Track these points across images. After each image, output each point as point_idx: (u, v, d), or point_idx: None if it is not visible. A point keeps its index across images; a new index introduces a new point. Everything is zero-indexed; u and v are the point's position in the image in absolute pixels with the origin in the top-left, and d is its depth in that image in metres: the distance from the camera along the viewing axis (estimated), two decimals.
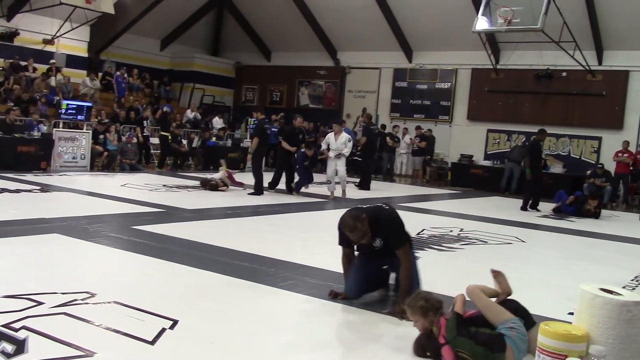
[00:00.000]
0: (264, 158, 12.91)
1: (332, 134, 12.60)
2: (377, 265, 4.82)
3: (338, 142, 12.36)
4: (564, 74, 17.85)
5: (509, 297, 3.91)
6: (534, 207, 12.68)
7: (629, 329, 2.91)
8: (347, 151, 12.43)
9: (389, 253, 4.64)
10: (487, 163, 18.41)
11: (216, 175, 12.30)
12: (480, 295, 3.70)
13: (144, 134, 16.43)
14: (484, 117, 19.20)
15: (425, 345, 3.64)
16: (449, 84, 19.96)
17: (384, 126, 19.17)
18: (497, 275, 4.03)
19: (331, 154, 12.41)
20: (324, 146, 12.81)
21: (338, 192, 12.39)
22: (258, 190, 11.54)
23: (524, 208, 12.59)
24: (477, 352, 3.43)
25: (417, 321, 3.69)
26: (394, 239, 4.60)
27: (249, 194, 11.57)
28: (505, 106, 18.87)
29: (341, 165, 12.38)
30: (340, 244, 4.84)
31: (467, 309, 3.74)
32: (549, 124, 17.99)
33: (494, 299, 3.85)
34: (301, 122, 12.92)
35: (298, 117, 12.95)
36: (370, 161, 15.64)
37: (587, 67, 17.09)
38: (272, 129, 14.79)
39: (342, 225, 4.61)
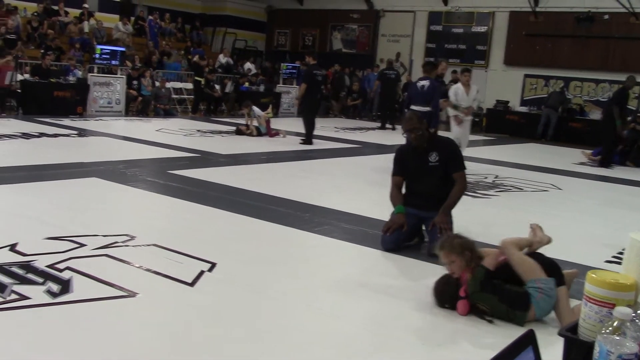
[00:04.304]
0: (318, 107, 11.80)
1: (460, 86, 9.65)
2: (415, 219, 4.81)
3: (470, 97, 9.61)
4: (606, 16, 17.20)
5: (538, 252, 3.80)
6: (608, 163, 11.20)
7: None
8: (475, 105, 10.12)
9: (437, 184, 4.77)
10: (524, 109, 18.07)
11: (260, 113, 12.25)
12: (514, 250, 3.58)
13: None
14: (521, 61, 18.72)
15: (443, 293, 3.53)
16: (486, 27, 19.43)
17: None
18: (535, 227, 3.97)
19: (450, 112, 9.68)
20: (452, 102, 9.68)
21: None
22: (308, 139, 11.21)
23: (605, 163, 11.20)
24: (499, 309, 3.39)
25: (452, 262, 3.51)
26: (456, 159, 4.82)
27: (300, 142, 11.25)
28: (544, 50, 18.35)
29: (468, 127, 9.95)
30: (393, 172, 4.91)
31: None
32: (588, 68, 17.56)
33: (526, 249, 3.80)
34: (445, 68, 9.84)
35: (442, 60, 9.87)
36: (384, 106, 15.90)
37: (630, 10, 16.44)
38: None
39: (404, 120, 4.92)
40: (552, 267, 3.58)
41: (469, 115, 9.71)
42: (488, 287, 3.43)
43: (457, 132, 9.56)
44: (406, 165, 4.90)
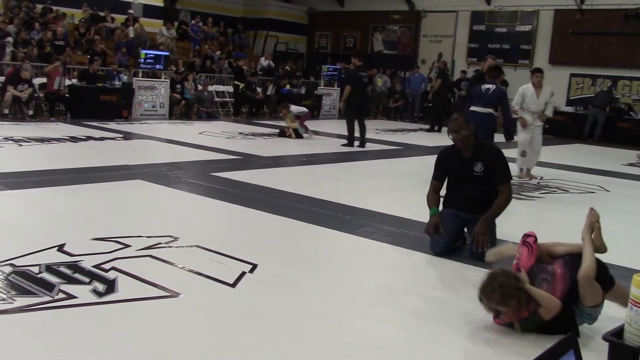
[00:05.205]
0: (363, 109, 11.50)
1: (530, 87, 8.63)
2: (459, 219, 4.77)
3: (541, 100, 8.57)
4: None
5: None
6: None
7: None
8: (550, 111, 8.72)
9: (483, 190, 4.65)
10: (570, 109, 17.69)
11: (300, 109, 12.26)
12: (591, 286, 3.16)
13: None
14: (567, 60, 18.35)
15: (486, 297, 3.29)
16: (530, 26, 19.11)
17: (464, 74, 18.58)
18: (596, 227, 3.41)
19: (527, 115, 8.64)
20: (517, 107, 8.72)
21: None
22: (350, 141, 11.16)
23: None
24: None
25: (501, 313, 3.21)
26: (501, 171, 4.64)
27: (343, 145, 11.19)
28: (590, 49, 17.95)
29: (539, 134, 8.86)
30: (434, 176, 4.84)
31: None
32: (638, 67, 17.09)
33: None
34: (490, 64, 8.76)
35: (489, 57, 9.01)
36: (443, 105, 15.66)
37: None
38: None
39: (450, 121, 4.73)
40: (602, 275, 3.29)
41: (539, 122, 8.73)
42: (541, 328, 3.24)
43: (522, 137, 8.67)
44: (449, 171, 4.82)
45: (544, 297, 3.18)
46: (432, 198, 4.80)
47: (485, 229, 4.50)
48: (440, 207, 4.83)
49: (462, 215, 4.75)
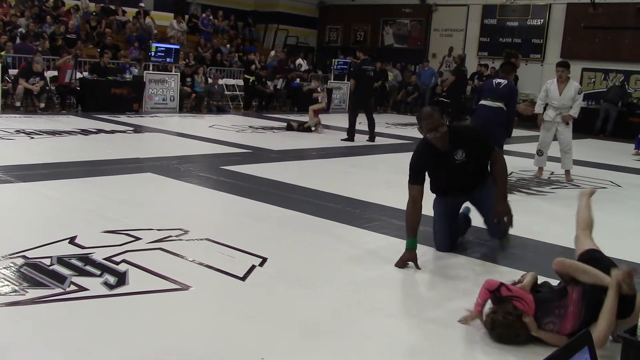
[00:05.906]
0: (367, 103, 11.35)
1: (555, 82, 8.30)
2: (457, 204, 4.70)
3: (565, 96, 8.18)
4: None
5: (596, 250, 3.36)
6: None
7: None
8: (575, 111, 8.26)
9: (470, 176, 4.42)
10: (582, 104, 17.55)
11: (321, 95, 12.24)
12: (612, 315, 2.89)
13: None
14: (579, 55, 18.17)
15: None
16: (542, 20, 18.97)
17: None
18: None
19: (550, 112, 8.31)
20: (540, 101, 8.44)
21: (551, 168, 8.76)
22: (350, 135, 11.12)
23: None
24: None
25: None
26: (483, 147, 4.36)
27: (342, 139, 11.12)
28: (603, 43, 17.79)
29: (567, 130, 8.36)
30: (411, 180, 4.26)
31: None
32: None
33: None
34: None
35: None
36: (456, 102, 15.51)
37: None
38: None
39: (419, 114, 4.33)
40: (625, 310, 2.99)
41: (565, 121, 8.27)
42: None
43: (541, 135, 8.42)
44: (427, 169, 4.37)
45: (551, 340, 3.04)
46: (412, 219, 4.18)
47: (507, 206, 4.33)
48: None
49: (456, 200, 4.68)
